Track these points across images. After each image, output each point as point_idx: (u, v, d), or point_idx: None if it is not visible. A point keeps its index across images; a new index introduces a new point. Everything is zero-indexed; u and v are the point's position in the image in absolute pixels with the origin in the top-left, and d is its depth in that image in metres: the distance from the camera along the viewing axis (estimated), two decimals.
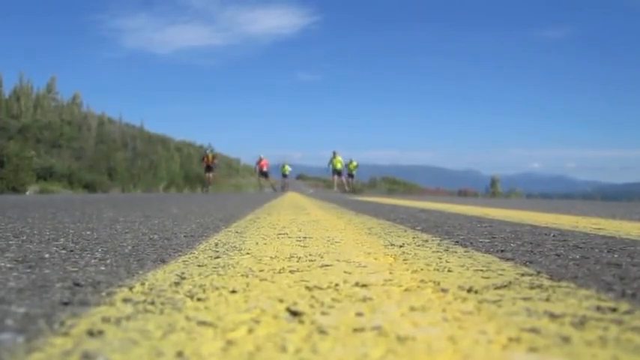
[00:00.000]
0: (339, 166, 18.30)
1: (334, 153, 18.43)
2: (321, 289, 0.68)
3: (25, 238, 1.28)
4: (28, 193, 7.03)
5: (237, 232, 1.50)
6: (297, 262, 0.92)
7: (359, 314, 0.54)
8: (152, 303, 0.59)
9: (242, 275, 0.78)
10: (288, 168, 20.18)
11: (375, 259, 0.96)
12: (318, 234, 1.44)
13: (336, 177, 18.50)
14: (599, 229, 1.67)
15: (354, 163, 18.58)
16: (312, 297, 0.63)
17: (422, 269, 0.84)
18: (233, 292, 0.65)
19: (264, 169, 18.84)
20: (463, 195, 13.31)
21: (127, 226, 1.66)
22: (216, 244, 1.18)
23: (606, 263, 0.92)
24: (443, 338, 0.46)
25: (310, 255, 1.01)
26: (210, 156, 16.03)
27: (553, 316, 0.53)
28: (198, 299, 0.61)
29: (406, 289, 0.67)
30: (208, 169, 16.01)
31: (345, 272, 0.81)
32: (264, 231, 1.53)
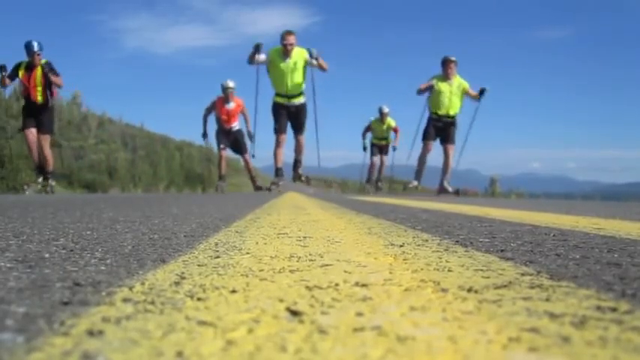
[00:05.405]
0: (384, 136, 9.56)
1: (383, 113, 9.62)
2: (321, 288, 0.68)
3: (25, 237, 1.28)
4: (27, 192, 7.03)
5: (237, 231, 1.50)
6: (297, 261, 0.92)
7: (359, 314, 0.54)
8: (152, 303, 0.59)
9: (242, 275, 0.78)
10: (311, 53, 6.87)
11: (375, 258, 0.96)
12: (318, 234, 1.44)
13: (375, 159, 10.09)
14: (599, 228, 1.67)
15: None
16: (312, 297, 0.63)
17: (422, 269, 0.84)
18: (233, 291, 0.66)
19: (234, 125, 8.03)
20: (463, 195, 13.29)
21: (127, 226, 1.66)
22: (216, 244, 1.18)
23: (606, 263, 0.92)
24: (443, 338, 0.46)
25: (310, 255, 1.01)
26: (39, 71, 6.27)
27: (553, 316, 0.53)
28: (198, 299, 0.61)
29: (406, 289, 0.67)
30: (31, 111, 6.47)
31: (345, 272, 0.81)
32: (264, 231, 1.53)
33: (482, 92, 7.33)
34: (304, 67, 7.01)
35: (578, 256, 1.00)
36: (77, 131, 12.92)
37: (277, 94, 7.06)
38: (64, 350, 0.42)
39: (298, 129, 7.25)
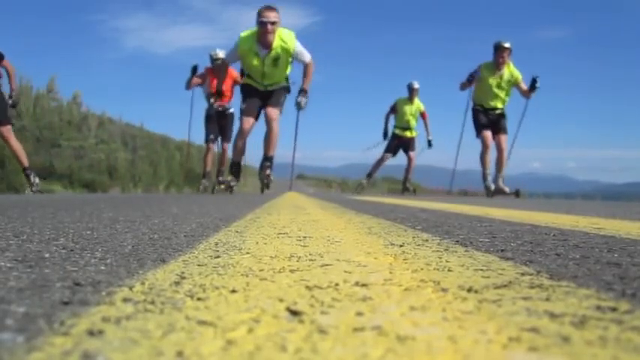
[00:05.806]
0: (411, 122, 7.88)
1: (413, 89, 7.91)
2: (321, 288, 0.68)
3: (25, 237, 1.28)
4: (26, 192, 7.04)
5: (237, 231, 1.50)
6: (297, 261, 0.92)
7: (359, 314, 0.54)
8: (152, 302, 0.59)
9: (242, 275, 0.78)
10: None
11: (375, 258, 0.96)
12: (318, 233, 1.44)
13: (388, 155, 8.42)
14: (599, 228, 1.67)
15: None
16: (312, 296, 0.63)
17: (422, 269, 0.84)
18: (233, 291, 0.65)
19: (228, 105, 6.94)
20: (463, 194, 13.31)
21: (127, 225, 1.66)
22: (216, 244, 1.18)
23: (606, 263, 0.92)
24: (443, 338, 0.45)
25: (310, 254, 1.01)
26: None
27: (553, 316, 0.53)
28: (198, 299, 0.61)
29: (406, 289, 0.67)
30: None
31: (345, 272, 0.81)
32: (264, 230, 1.53)
33: (533, 86, 6.12)
34: (289, 62, 5.23)
35: (578, 256, 1.00)
36: (77, 131, 12.92)
37: (250, 77, 5.35)
38: (64, 350, 0.42)
39: (272, 104, 5.27)
